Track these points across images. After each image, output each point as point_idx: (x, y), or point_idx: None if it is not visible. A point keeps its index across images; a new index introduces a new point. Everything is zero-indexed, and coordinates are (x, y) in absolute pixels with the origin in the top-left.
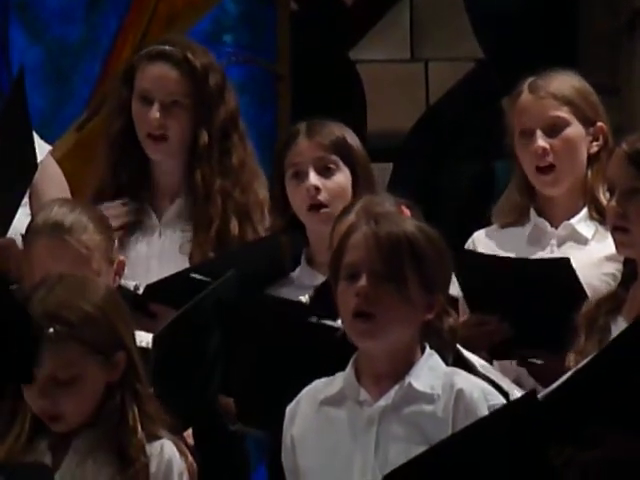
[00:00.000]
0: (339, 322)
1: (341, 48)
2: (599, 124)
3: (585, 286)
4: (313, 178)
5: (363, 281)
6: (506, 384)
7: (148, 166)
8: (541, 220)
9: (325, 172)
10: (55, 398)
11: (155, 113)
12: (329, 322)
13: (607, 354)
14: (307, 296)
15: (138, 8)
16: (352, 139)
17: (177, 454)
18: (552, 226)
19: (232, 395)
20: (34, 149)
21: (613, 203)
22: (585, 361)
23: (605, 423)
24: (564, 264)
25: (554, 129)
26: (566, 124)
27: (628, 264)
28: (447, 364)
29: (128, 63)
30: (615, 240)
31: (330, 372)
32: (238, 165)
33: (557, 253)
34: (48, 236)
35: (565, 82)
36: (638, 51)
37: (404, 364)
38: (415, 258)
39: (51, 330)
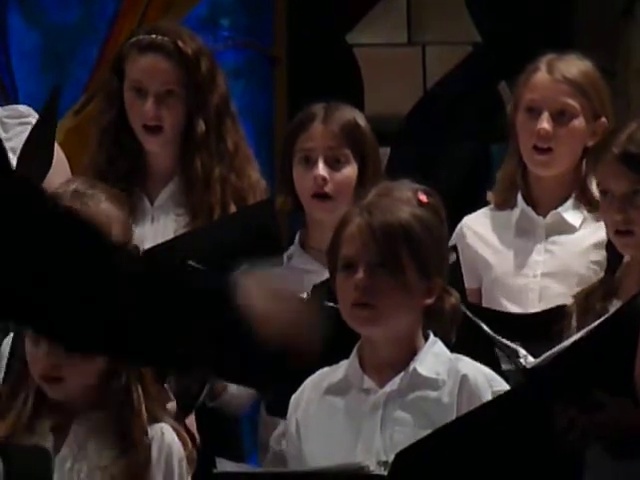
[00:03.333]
0: None
1: (338, 32)
2: (602, 120)
3: (573, 274)
4: (322, 169)
5: (360, 273)
6: (521, 348)
7: (142, 152)
8: (528, 208)
9: (334, 163)
10: (59, 358)
11: (150, 105)
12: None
13: (607, 325)
14: (305, 295)
15: None
16: (365, 126)
17: (176, 439)
18: (539, 212)
19: (255, 385)
20: (52, 154)
21: (614, 211)
22: (585, 330)
23: (606, 388)
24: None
25: (562, 116)
26: (575, 114)
27: (611, 249)
28: (450, 348)
29: (117, 52)
30: (618, 243)
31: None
32: (233, 149)
33: (544, 243)
34: (69, 202)
35: (583, 70)
36: (635, 35)
37: (407, 351)
38: (411, 246)
39: None
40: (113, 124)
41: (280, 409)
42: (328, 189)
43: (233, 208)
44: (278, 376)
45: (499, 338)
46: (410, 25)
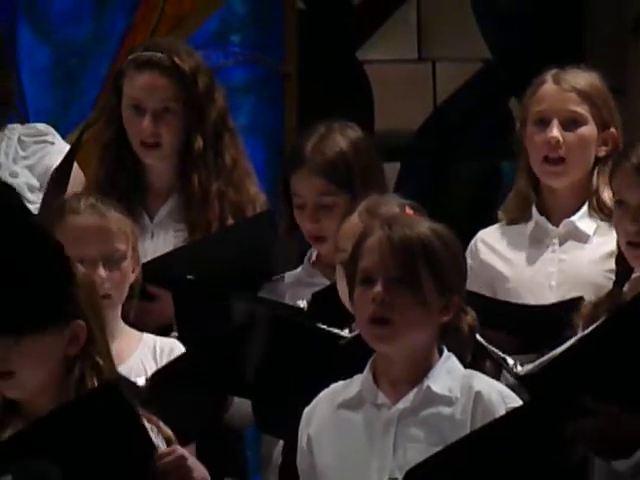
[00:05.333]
0: (346, 331)
1: (348, 48)
2: (611, 130)
3: (588, 283)
4: (311, 217)
5: (378, 287)
6: (510, 357)
7: (141, 169)
8: (542, 218)
9: (324, 208)
10: (7, 351)
11: (147, 123)
12: (334, 330)
13: (603, 328)
14: (305, 301)
15: (146, 8)
16: (355, 155)
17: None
18: (553, 223)
19: (250, 399)
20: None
21: (628, 222)
22: (581, 334)
23: (600, 394)
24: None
25: (571, 124)
26: (584, 122)
27: (620, 262)
28: (465, 364)
29: (115, 70)
30: (630, 255)
31: (335, 379)
32: (231, 164)
33: (558, 252)
34: (88, 214)
35: (589, 81)
36: None
37: (421, 367)
38: (429, 261)
39: None
40: (113, 141)
41: (272, 427)
42: (320, 233)
43: (231, 222)
44: None
45: (488, 345)
46: (420, 41)
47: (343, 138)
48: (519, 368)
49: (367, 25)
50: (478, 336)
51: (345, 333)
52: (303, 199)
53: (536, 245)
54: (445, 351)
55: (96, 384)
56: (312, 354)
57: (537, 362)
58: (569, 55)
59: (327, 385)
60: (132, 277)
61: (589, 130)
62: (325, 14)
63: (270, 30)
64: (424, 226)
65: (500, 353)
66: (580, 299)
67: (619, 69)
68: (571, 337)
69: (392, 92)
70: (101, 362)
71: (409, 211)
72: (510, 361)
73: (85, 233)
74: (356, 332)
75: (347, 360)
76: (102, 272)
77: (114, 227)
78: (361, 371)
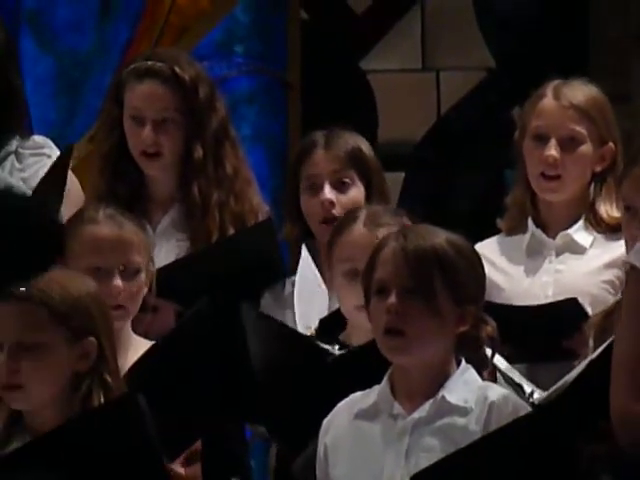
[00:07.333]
0: (336, 347)
1: (352, 58)
2: (610, 145)
3: (584, 294)
4: (328, 192)
5: (392, 297)
6: (526, 384)
7: (142, 179)
8: (538, 230)
9: (340, 186)
10: (17, 364)
11: (148, 132)
12: (325, 345)
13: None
14: (313, 328)
15: (149, 18)
16: (368, 151)
17: None
18: (550, 235)
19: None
20: (62, 195)
21: (635, 227)
22: (590, 358)
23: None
24: (573, 304)
25: (570, 142)
26: (582, 140)
27: None
28: (483, 377)
29: (115, 80)
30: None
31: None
32: (232, 174)
33: (555, 263)
34: (107, 224)
35: (589, 96)
36: None
37: (438, 378)
38: (444, 271)
39: (22, 289)
40: (114, 151)
41: (280, 437)
42: (336, 212)
43: (231, 232)
44: None
45: (505, 371)
46: (424, 51)
47: (354, 137)
48: (536, 396)
49: (371, 35)
50: (495, 360)
51: (335, 349)
52: (317, 176)
53: (533, 257)
54: (463, 362)
55: (102, 401)
56: (300, 365)
57: (552, 389)
58: (574, 63)
59: (316, 399)
60: (145, 291)
61: (586, 148)
62: (328, 24)
63: (273, 40)
64: (439, 237)
65: (517, 379)
66: (574, 299)
67: (624, 76)
68: (572, 344)
69: (396, 102)
70: (109, 379)
71: (406, 221)
72: (527, 389)
73: (104, 243)
74: (345, 350)
75: (334, 377)
76: (118, 282)
77: (133, 239)
78: (348, 392)
